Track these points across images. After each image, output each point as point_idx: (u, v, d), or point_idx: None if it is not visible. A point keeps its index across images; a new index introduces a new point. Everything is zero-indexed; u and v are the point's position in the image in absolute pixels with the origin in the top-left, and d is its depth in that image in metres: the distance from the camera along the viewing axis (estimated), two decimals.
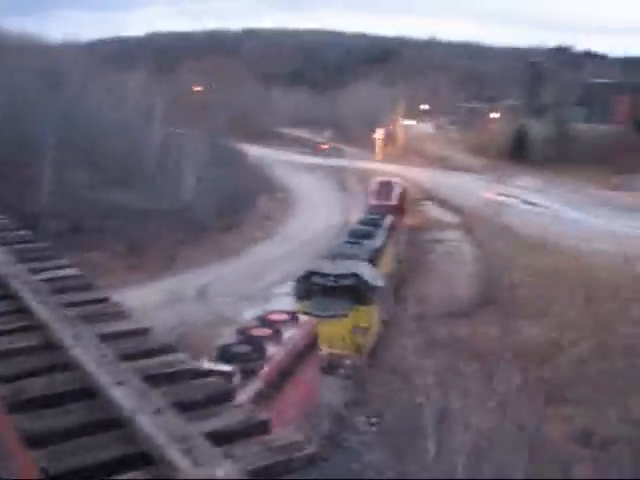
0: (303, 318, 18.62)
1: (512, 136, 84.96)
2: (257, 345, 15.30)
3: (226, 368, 13.60)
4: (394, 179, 45.12)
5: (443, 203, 60.35)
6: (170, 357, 3.19)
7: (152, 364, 3.09)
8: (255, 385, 13.94)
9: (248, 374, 13.96)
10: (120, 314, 3.78)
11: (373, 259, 26.44)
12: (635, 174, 70.95)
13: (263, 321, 17.28)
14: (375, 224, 31.80)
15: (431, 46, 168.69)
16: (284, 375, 15.45)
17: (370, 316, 22.97)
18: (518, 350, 7.07)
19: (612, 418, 7.98)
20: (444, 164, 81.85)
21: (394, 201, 38.42)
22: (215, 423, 2.63)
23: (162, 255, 42.51)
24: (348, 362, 18.25)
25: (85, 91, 54.14)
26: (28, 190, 42.23)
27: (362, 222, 33.54)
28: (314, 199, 61.42)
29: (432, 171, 75.48)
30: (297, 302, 22.15)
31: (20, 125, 45.29)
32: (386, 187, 40.80)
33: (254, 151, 78.66)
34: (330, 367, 18.64)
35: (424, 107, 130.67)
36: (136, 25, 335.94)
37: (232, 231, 48.92)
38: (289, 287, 21.85)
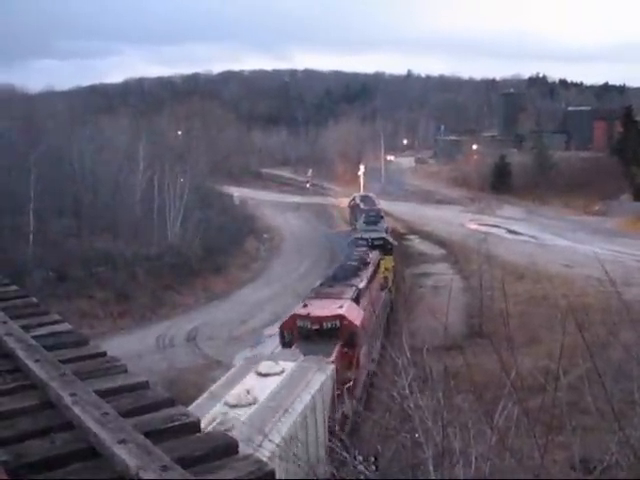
0: (374, 252, 36.30)
1: (493, 167, 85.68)
2: (361, 256, 33.29)
3: (352, 264, 30.72)
4: (370, 193, 66.93)
5: (429, 236, 60.54)
6: (171, 411, 3.16)
7: (153, 419, 3.06)
8: (370, 269, 31.31)
9: (365, 265, 31.51)
10: (116, 368, 3.75)
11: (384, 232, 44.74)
12: (615, 199, 71.71)
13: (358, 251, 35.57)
14: (377, 216, 50.90)
15: (408, 81, 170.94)
16: (375, 269, 32.66)
17: (392, 261, 40.31)
18: (512, 380, 7.07)
19: (610, 444, 7.91)
20: (427, 197, 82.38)
21: (378, 206, 57.87)
22: (222, 477, 2.60)
23: (149, 301, 42.28)
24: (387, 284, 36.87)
25: (67, 139, 54.21)
26: (12, 240, 42.01)
27: (369, 216, 50.83)
28: (300, 239, 61.43)
29: (415, 205, 75.88)
30: None
31: (1, 176, 45.20)
32: (367, 198, 62.26)
33: (238, 192, 78.84)
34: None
35: (404, 141, 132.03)
36: (114, 72, 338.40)
37: (219, 274, 48.77)
38: (277, 328, 22.86)
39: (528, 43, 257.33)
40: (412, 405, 8.70)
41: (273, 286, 45.81)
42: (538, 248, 51.62)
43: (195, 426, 3.02)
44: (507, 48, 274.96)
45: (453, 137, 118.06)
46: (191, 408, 14.55)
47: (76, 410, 3.03)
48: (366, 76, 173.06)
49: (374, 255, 35.20)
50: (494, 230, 58.95)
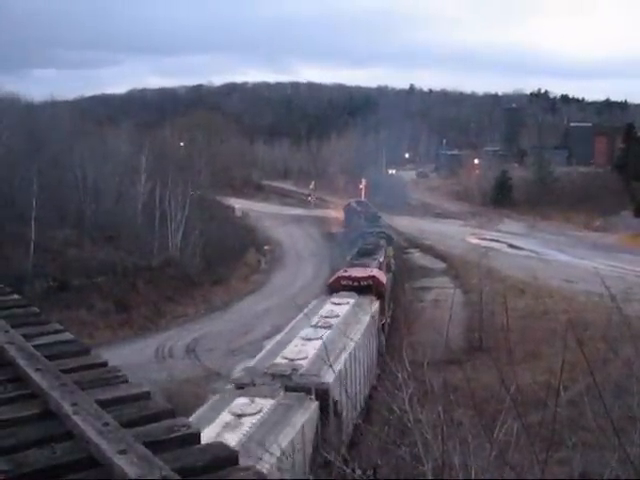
0: (382, 240, 46.55)
1: (494, 181, 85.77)
2: (374, 242, 44.41)
3: (370, 246, 41.97)
4: (364, 199, 74.46)
5: (429, 250, 60.49)
6: (172, 421, 3.15)
7: (153, 430, 3.06)
8: (383, 251, 41.56)
9: (379, 248, 42.18)
10: (117, 378, 3.74)
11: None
12: (616, 215, 71.75)
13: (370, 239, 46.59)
14: (375, 215, 63.16)
15: (411, 95, 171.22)
16: (385, 252, 41.84)
17: (392, 252, 47.94)
18: (512, 395, 7.03)
19: (610, 460, 7.87)
20: (428, 211, 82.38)
21: (373, 208, 67.58)
22: None
23: (150, 311, 42.21)
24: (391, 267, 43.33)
25: (70, 148, 54.28)
26: (14, 249, 42.00)
27: (368, 215, 62.63)
28: (301, 251, 61.37)
29: (416, 219, 75.84)
30: None
31: (4, 184, 45.24)
32: (362, 202, 71.33)
33: (240, 204, 78.86)
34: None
35: (406, 155, 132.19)
36: (117, 82, 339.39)
37: (220, 285, 48.69)
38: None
39: (530, 59, 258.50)
40: (412, 419, 8.67)
41: (273, 298, 45.71)
42: (539, 263, 51.57)
43: (195, 437, 3.02)
44: (509, 63, 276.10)
45: (455, 151, 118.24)
46: (288, 328, 24.72)
47: (77, 420, 3.03)
48: (369, 89, 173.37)
49: (382, 242, 45.70)
50: (495, 244, 58.91)
